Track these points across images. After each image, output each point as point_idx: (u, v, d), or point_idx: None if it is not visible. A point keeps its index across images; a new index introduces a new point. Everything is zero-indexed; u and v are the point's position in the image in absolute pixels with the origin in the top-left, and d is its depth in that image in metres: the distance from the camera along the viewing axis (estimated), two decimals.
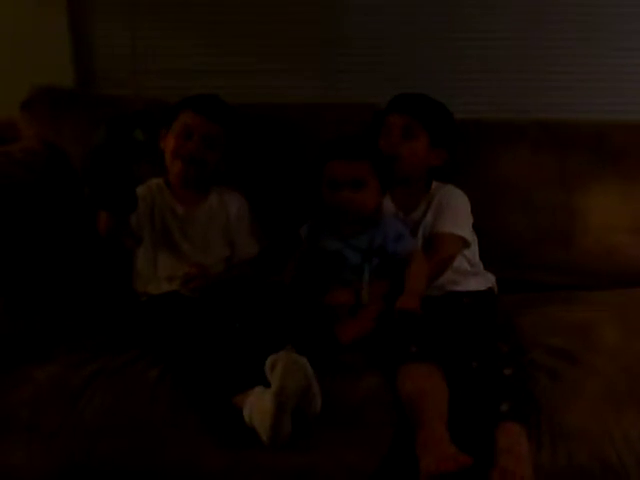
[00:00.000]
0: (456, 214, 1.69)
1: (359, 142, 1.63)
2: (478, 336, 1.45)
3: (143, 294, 1.64)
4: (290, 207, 1.84)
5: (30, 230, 1.60)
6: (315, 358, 1.28)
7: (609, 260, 1.91)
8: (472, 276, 1.70)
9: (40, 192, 1.68)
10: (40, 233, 1.63)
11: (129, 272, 1.68)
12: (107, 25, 2.23)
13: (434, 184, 1.75)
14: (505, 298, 1.72)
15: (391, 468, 1.26)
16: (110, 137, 1.36)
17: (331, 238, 1.59)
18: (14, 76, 2.01)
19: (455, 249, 1.66)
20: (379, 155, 1.61)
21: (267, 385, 1.23)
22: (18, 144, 1.84)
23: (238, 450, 1.25)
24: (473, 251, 1.73)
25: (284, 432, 1.21)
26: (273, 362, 1.24)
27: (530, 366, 1.43)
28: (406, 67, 2.24)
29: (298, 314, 1.51)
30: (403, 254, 1.55)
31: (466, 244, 1.69)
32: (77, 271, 1.68)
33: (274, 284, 1.58)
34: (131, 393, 1.34)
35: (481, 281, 1.71)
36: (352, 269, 1.56)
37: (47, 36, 2.15)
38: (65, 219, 1.70)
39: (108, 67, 2.26)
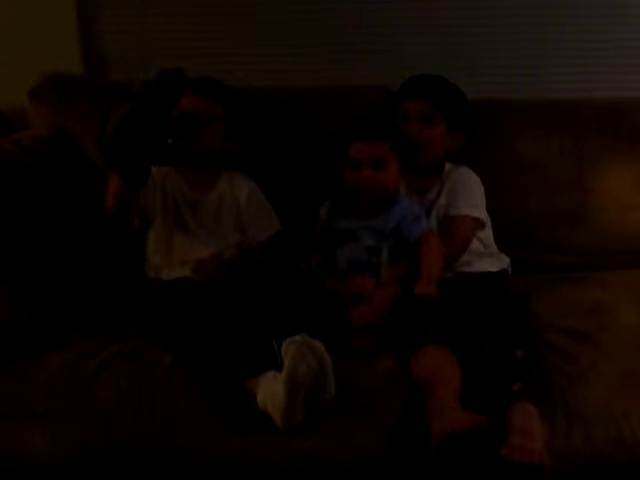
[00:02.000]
0: (470, 196, 1.68)
1: (381, 122, 1.62)
2: (491, 318, 1.44)
3: (155, 280, 1.64)
4: (305, 189, 1.84)
5: (41, 217, 1.61)
6: (329, 342, 1.28)
7: (623, 240, 1.89)
8: (486, 257, 1.69)
9: (50, 179, 1.68)
10: (51, 220, 1.63)
11: (141, 258, 1.68)
12: (115, 11, 2.23)
13: (447, 165, 1.74)
14: (519, 279, 1.71)
15: (400, 445, 1.26)
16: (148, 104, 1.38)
17: (347, 218, 1.60)
18: (23, 64, 2.02)
19: (471, 231, 1.66)
20: (400, 136, 1.60)
21: (280, 369, 1.23)
22: (27, 132, 1.83)
23: (250, 434, 1.26)
24: (487, 233, 1.72)
25: (297, 416, 1.21)
26: (287, 347, 1.24)
27: (544, 347, 1.42)
28: (411, 48, 2.22)
29: (311, 299, 1.51)
30: (418, 236, 1.55)
31: (481, 225, 1.68)
32: (89, 257, 1.68)
33: (305, 271, 1.58)
34: (145, 379, 1.34)
35: (494, 262, 1.70)
36: (368, 249, 1.56)
37: (55, 23, 2.15)
38: (75, 206, 1.70)
39: (117, 54, 2.26)
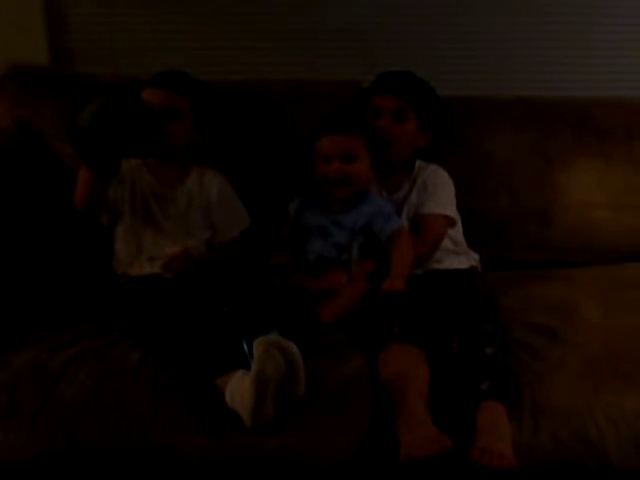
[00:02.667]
0: (441, 194, 1.68)
1: (352, 116, 1.62)
2: (460, 315, 1.45)
3: (123, 276, 1.62)
4: (275, 184, 1.83)
5: (5, 212, 1.57)
6: (300, 340, 1.27)
7: (589, 237, 1.92)
8: (455, 255, 1.70)
9: (13, 173, 1.65)
10: (15, 214, 1.59)
11: (108, 253, 1.66)
12: (83, 2, 2.18)
13: (417, 163, 1.74)
14: (487, 276, 1.72)
15: (371, 448, 1.26)
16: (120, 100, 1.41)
17: (317, 214, 1.59)
18: None
19: (442, 229, 1.67)
20: (372, 131, 1.59)
21: (250, 368, 1.23)
22: None
23: (220, 433, 1.25)
24: (457, 230, 1.73)
25: (266, 415, 1.21)
26: (256, 346, 1.23)
27: (512, 344, 1.43)
28: (384, 43, 2.22)
29: (281, 296, 1.50)
30: (389, 233, 1.55)
31: (452, 223, 1.68)
32: (54, 253, 1.65)
33: (274, 267, 1.57)
34: (112, 376, 1.32)
35: (463, 260, 1.71)
36: (337, 246, 1.56)
37: (21, 12, 2.10)
38: (41, 199, 1.67)
39: (84, 45, 2.22)
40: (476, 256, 1.76)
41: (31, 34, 2.12)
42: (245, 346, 1.30)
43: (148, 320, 1.42)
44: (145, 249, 1.62)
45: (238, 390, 1.22)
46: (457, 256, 1.70)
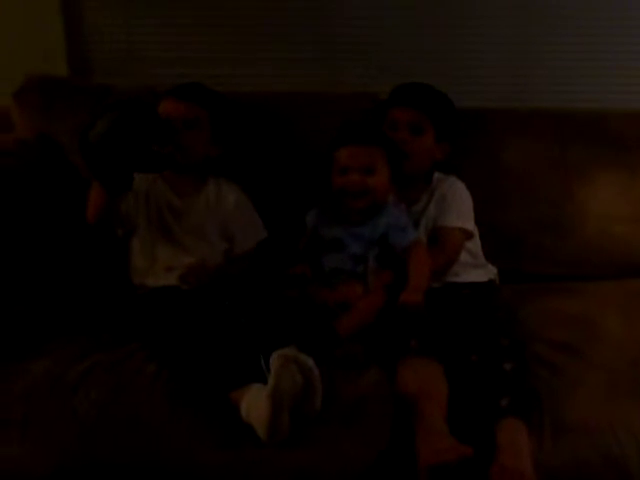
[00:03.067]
0: (459, 207, 1.67)
1: (371, 128, 1.61)
2: (478, 329, 1.44)
3: (140, 287, 1.62)
4: (292, 196, 1.82)
5: (23, 223, 1.58)
6: (316, 353, 1.27)
7: (609, 251, 1.90)
8: (473, 268, 1.69)
9: (33, 183, 1.66)
10: (34, 225, 1.60)
11: (125, 264, 1.65)
12: (101, 13, 2.21)
13: (436, 175, 1.73)
14: (505, 289, 1.71)
15: (389, 462, 1.24)
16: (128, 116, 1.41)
17: (334, 226, 1.58)
18: (7, 66, 2.00)
19: (460, 242, 1.66)
20: (391, 143, 1.58)
21: (266, 382, 1.22)
22: (11, 135, 1.81)
23: (235, 447, 1.24)
24: (475, 243, 1.72)
25: (282, 429, 1.20)
26: (273, 360, 1.22)
27: (531, 359, 1.41)
28: (402, 55, 2.21)
29: (298, 309, 1.49)
30: (405, 245, 1.54)
31: (469, 236, 1.68)
32: (72, 264, 1.66)
33: (291, 278, 1.56)
34: (128, 388, 1.32)
35: (481, 273, 1.70)
36: (353, 258, 1.55)
37: (40, 25, 2.12)
38: (59, 210, 1.67)
39: (102, 56, 2.24)
40: (494, 269, 1.74)
41: (50, 46, 2.14)
42: (262, 358, 1.29)
43: (165, 332, 1.42)
44: (160, 260, 1.61)
45: (254, 404, 1.22)
46: (475, 269, 1.69)
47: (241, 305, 1.48)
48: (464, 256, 1.68)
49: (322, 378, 1.25)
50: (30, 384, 1.32)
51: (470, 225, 1.68)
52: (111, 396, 1.30)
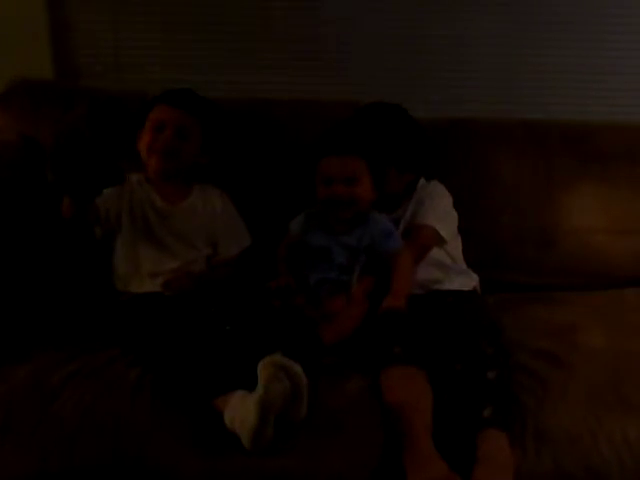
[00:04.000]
0: (435, 207, 1.67)
1: (352, 137, 1.58)
2: (462, 337, 1.44)
3: (124, 293, 1.60)
4: (277, 203, 1.82)
5: (5, 226, 1.56)
6: (303, 361, 1.26)
7: (591, 261, 1.91)
8: (456, 275, 1.69)
9: (17, 187, 1.64)
10: (17, 230, 1.59)
11: (109, 270, 1.64)
12: (88, 16, 2.20)
13: (420, 182, 1.74)
14: (487, 298, 1.71)
15: (377, 471, 1.24)
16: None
17: (320, 234, 1.58)
18: None
19: (431, 241, 1.65)
20: (374, 153, 1.57)
21: (250, 388, 1.22)
22: None
23: (218, 454, 1.23)
24: (455, 245, 1.72)
25: (266, 437, 1.19)
26: (262, 367, 1.22)
27: (514, 368, 1.42)
28: (382, 66, 2.22)
29: (282, 317, 1.49)
30: (391, 252, 1.54)
31: (441, 239, 1.66)
32: (56, 269, 1.65)
33: (275, 291, 1.53)
34: (110, 394, 1.31)
35: (465, 281, 1.70)
36: (339, 267, 1.55)
37: (26, 28, 2.11)
38: (41, 214, 1.66)
39: (88, 59, 2.23)
40: (475, 276, 1.74)
41: (36, 49, 2.13)
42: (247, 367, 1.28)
43: (148, 338, 1.41)
44: (144, 264, 1.60)
45: (239, 411, 1.21)
46: (457, 276, 1.69)
47: (226, 312, 1.48)
48: (444, 258, 1.67)
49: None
50: (10, 390, 1.31)
51: (443, 227, 1.65)
52: (93, 402, 1.29)
